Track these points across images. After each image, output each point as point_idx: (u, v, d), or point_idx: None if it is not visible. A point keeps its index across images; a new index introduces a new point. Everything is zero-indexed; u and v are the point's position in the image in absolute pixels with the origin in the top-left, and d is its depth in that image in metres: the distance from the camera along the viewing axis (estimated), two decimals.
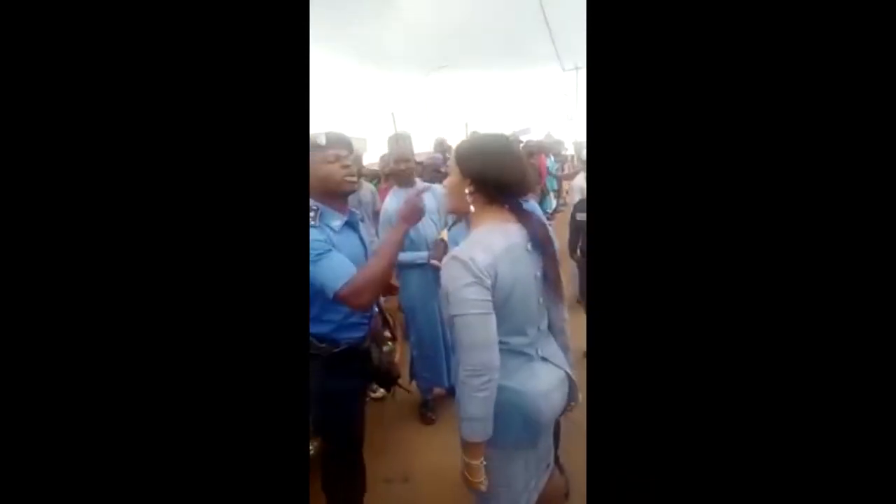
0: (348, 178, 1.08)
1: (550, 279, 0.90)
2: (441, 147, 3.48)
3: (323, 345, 1.07)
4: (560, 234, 1.61)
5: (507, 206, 0.88)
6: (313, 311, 1.04)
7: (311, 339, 1.05)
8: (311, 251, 0.96)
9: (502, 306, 0.82)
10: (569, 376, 0.95)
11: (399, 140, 1.79)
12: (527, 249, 0.86)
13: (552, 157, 5.98)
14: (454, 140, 2.99)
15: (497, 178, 0.86)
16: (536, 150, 4.44)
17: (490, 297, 0.80)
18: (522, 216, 0.88)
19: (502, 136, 0.94)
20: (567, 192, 6.11)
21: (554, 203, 5.78)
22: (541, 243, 0.88)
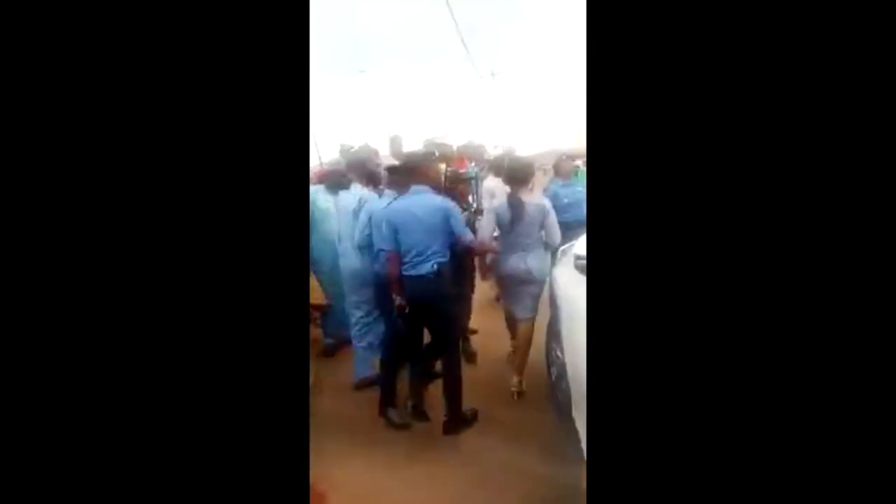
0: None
1: None
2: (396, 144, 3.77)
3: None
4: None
5: None
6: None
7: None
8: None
9: None
10: None
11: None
12: None
13: (473, 162, 6.20)
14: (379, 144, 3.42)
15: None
16: (455, 155, 4.59)
17: None
18: None
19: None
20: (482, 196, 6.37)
21: (474, 205, 6.01)
22: None
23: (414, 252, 2.06)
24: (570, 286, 2.01)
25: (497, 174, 3.34)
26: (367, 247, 2.34)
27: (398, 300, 2.10)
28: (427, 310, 2.12)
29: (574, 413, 1.85)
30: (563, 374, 2.10)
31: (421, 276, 2.05)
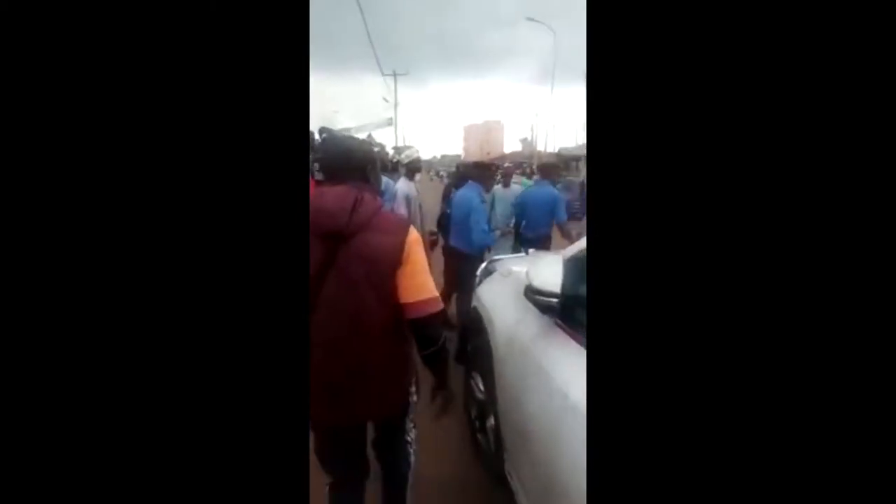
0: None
1: None
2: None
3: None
4: None
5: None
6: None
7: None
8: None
9: None
10: None
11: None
12: None
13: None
14: None
15: None
16: None
17: None
18: None
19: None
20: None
21: None
22: None
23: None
24: (504, 308, 1.68)
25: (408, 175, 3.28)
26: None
27: None
28: None
29: (507, 467, 1.51)
30: (487, 413, 1.77)
31: None
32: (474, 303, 2.09)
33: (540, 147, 26.18)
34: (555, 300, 1.17)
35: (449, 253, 3.24)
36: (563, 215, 3.38)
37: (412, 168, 3.33)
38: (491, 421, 1.74)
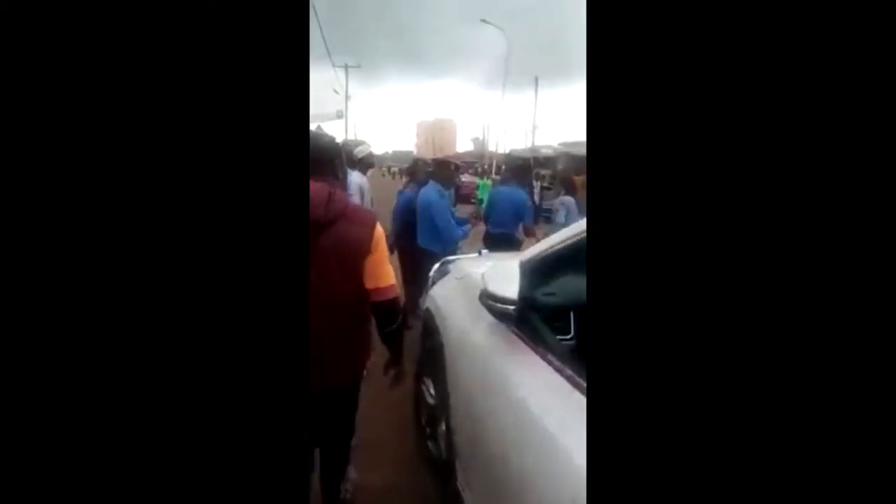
0: None
1: None
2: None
3: None
4: None
5: None
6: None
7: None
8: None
9: None
10: None
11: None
12: None
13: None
14: None
15: None
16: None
17: None
18: None
19: None
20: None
21: None
22: None
23: None
24: (457, 312, 1.63)
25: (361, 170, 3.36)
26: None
27: None
28: None
29: (460, 479, 1.44)
30: (438, 419, 1.71)
31: None
32: (428, 304, 2.02)
33: (491, 147, 26.56)
34: (511, 307, 1.11)
35: (411, 253, 3.21)
36: (528, 217, 3.46)
37: (365, 163, 3.38)
38: (442, 427, 1.68)
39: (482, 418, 1.17)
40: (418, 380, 2.04)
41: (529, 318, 1.11)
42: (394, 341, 1.32)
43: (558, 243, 1.09)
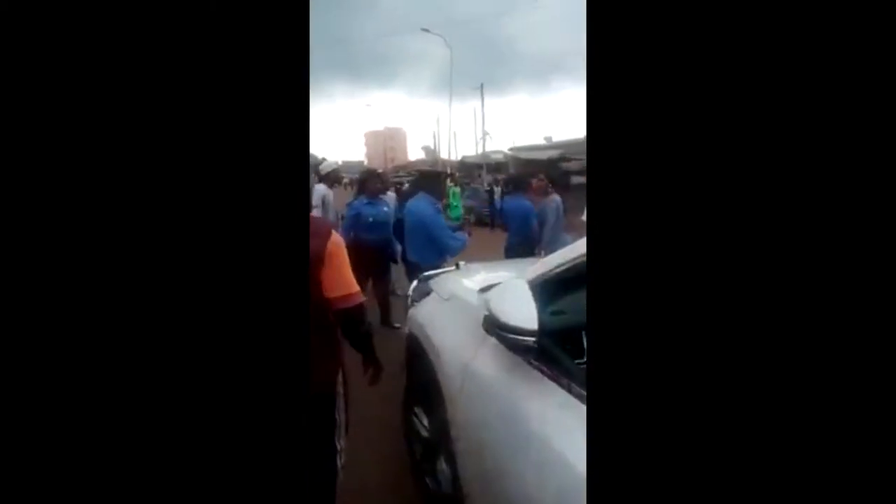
0: None
1: None
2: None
3: None
4: None
5: None
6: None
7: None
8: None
9: None
10: None
11: None
12: None
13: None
14: None
15: None
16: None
17: None
18: None
19: None
20: None
21: None
22: None
23: None
24: (453, 339, 1.49)
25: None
26: None
27: None
28: None
29: None
30: (436, 455, 1.57)
31: None
32: (411, 327, 1.88)
33: (444, 155, 26.65)
34: (531, 339, 0.98)
35: (367, 266, 3.25)
36: (535, 226, 3.65)
37: (331, 178, 3.75)
38: (442, 464, 1.54)
39: (501, 462, 1.05)
40: (407, 410, 1.89)
41: (551, 349, 1.00)
42: (362, 344, 1.36)
43: (574, 258, 0.99)
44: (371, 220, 3.40)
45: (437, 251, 2.76)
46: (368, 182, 3.51)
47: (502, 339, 1.06)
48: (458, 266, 2.41)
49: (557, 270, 1.04)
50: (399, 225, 3.51)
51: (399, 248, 3.56)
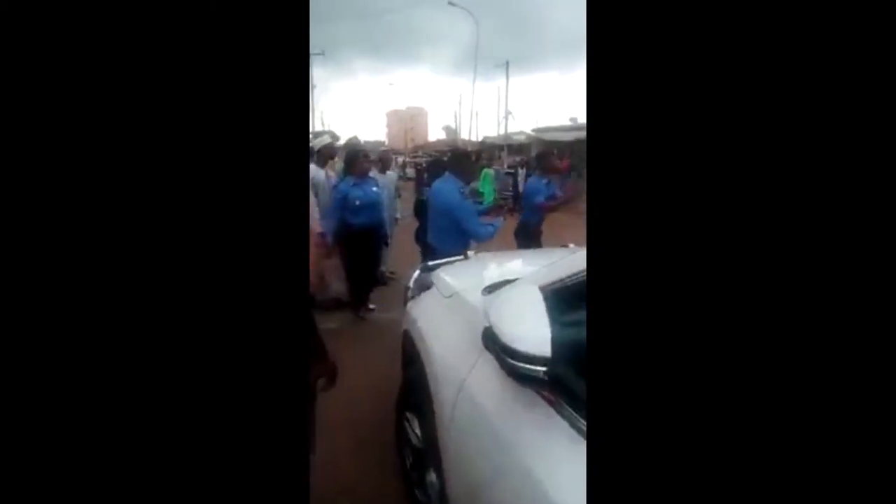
0: None
1: None
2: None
3: None
4: None
5: None
6: None
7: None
8: None
9: None
10: None
11: None
12: None
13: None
14: None
15: None
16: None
17: None
18: None
19: None
20: None
21: None
22: None
23: None
24: (447, 344, 1.29)
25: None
26: None
27: None
28: None
29: None
30: (426, 466, 1.40)
31: None
32: (406, 325, 1.68)
33: (464, 135, 26.13)
34: (542, 369, 0.74)
35: (354, 250, 3.20)
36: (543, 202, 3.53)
37: (325, 154, 3.28)
38: (432, 476, 1.37)
39: (491, 493, 0.84)
40: (400, 413, 1.72)
41: (566, 381, 0.77)
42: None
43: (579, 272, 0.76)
44: (358, 202, 3.20)
45: (460, 237, 2.58)
46: (356, 162, 3.27)
47: (504, 365, 0.81)
48: (466, 255, 2.20)
49: (581, 277, 0.81)
50: (420, 206, 3.43)
51: (415, 228, 3.50)
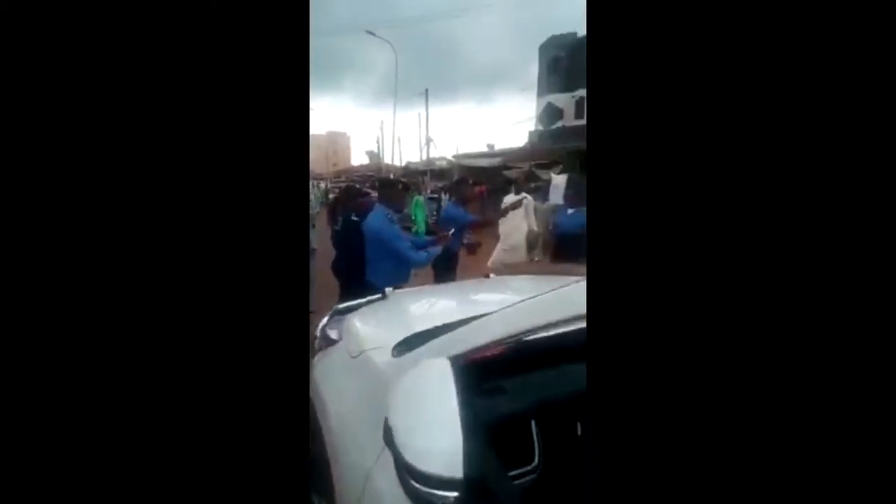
0: None
1: None
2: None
3: None
4: None
5: None
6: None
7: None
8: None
9: None
10: None
11: None
12: None
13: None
14: None
15: None
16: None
17: None
18: None
19: None
20: None
21: None
22: None
23: None
24: (349, 427, 1.05)
25: None
26: None
27: None
28: None
29: None
30: None
31: None
32: (312, 391, 1.41)
33: (387, 160, 26.06)
34: (452, 496, 0.54)
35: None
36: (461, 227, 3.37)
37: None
38: None
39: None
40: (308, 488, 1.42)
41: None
42: None
43: (512, 335, 0.60)
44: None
45: (398, 268, 2.49)
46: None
47: (407, 489, 0.60)
48: (384, 294, 1.99)
49: (508, 344, 0.63)
50: (336, 235, 3.15)
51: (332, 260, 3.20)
